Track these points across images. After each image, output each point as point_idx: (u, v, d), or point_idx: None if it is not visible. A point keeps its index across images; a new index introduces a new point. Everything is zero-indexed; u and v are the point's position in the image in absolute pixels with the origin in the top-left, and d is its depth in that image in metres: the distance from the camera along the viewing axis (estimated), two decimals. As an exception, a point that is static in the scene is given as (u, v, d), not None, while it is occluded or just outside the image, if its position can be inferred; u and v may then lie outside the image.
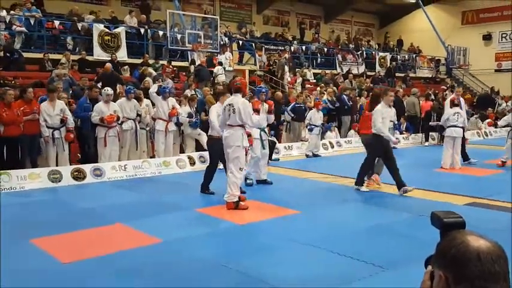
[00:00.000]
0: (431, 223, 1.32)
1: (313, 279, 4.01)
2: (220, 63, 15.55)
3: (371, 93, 9.48)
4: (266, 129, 8.24)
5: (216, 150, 7.14)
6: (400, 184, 7.34)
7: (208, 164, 7.76)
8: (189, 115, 10.61)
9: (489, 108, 19.75)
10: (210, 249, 4.91)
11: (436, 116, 14.46)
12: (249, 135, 8.51)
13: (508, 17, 24.95)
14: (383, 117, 7.48)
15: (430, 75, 25.01)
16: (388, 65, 22.82)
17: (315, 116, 11.89)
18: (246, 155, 6.94)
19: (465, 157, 10.56)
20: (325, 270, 4.25)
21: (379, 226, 5.69)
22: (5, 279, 3.99)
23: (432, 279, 1.24)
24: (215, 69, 15.39)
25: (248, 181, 8.02)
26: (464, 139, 14.57)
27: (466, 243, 1.13)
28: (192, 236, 5.29)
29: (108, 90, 9.38)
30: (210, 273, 4.20)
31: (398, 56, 24.69)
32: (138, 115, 10.09)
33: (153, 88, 9.93)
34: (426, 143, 14.39)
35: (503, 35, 25.44)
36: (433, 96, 16.03)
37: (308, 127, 11.94)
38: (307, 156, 11.93)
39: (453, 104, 10.16)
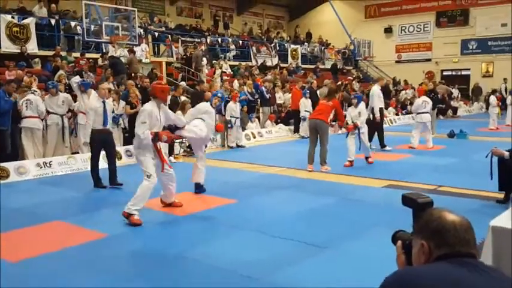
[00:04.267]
0: (403, 203, 1.61)
1: (259, 262, 4.29)
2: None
3: (328, 89, 10.11)
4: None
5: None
6: None
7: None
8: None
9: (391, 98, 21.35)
10: (157, 241, 5.02)
11: (347, 105, 15.43)
12: None
13: (407, 11, 27.07)
14: None
15: (338, 67, 26.36)
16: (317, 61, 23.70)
17: (233, 108, 12.23)
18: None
19: (382, 144, 11.45)
20: (270, 253, 4.55)
21: (312, 210, 6.15)
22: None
23: (406, 251, 1.54)
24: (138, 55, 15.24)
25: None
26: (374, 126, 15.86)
27: (444, 217, 1.44)
28: (136, 229, 5.39)
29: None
30: (162, 264, 4.34)
31: (308, 48, 25.76)
32: (70, 110, 9.92)
33: (76, 78, 9.65)
34: (339, 131, 15.26)
35: (403, 28, 27.53)
36: (343, 87, 16.96)
37: (229, 121, 12.19)
38: (231, 147, 12.26)
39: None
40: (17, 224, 5.57)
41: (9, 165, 8.38)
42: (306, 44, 25.80)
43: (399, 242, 1.57)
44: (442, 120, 19.01)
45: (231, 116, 12.14)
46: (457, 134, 13.41)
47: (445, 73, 26.04)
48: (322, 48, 26.11)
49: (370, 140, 11.32)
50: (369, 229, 5.19)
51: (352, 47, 26.93)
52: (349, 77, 22.57)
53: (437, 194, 6.73)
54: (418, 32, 27.03)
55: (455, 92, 22.83)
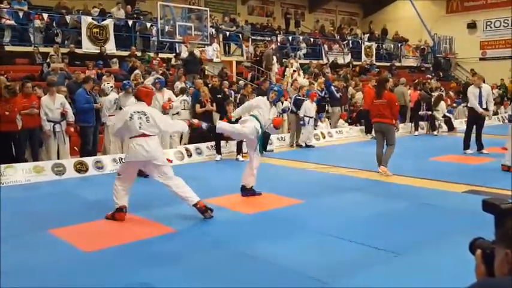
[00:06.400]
0: (484, 209, 1.39)
1: (328, 265, 4.07)
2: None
3: (377, 79, 9.44)
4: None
5: None
6: None
7: None
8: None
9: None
10: (223, 238, 4.94)
11: (425, 105, 14.62)
12: None
13: (492, 5, 25.24)
14: None
15: (415, 64, 25.22)
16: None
17: (309, 107, 11.93)
18: None
19: (480, 146, 10.43)
20: (339, 256, 4.31)
21: (383, 214, 5.78)
22: (31, 270, 4.05)
23: (486, 260, 1.34)
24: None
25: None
26: (452, 127, 14.95)
27: None
28: (203, 225, 5.38)
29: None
30: (227, 260, 4.27)
31: (384, 45, 24.86)
32: None
33: (149, 80, 9.89)
34: (416, 132, 14.55)
35: (488, 23, 25.75)
36: (421, 86, 16.13)
37: (302, 118, 11.91)
38: (300, 146, 11.99)
39: None
40: (93, 215, 5.77)
41: (88, 160, 8.82)
42: (381, 40, 24.90)
43: (479, 251, 1.39)
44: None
45: (304, 115, 11.86)
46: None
47: (536, 72, 23.97)
48: (399, 45, 25.08)
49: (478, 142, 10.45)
50: (446, 236, 4.76)
51: (431, 44, 25.62)
52: (428, 75, 21.51)
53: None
54: (505, 28, 25.15)
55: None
